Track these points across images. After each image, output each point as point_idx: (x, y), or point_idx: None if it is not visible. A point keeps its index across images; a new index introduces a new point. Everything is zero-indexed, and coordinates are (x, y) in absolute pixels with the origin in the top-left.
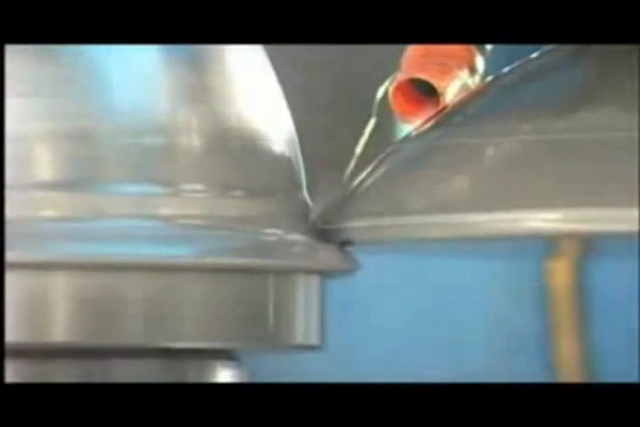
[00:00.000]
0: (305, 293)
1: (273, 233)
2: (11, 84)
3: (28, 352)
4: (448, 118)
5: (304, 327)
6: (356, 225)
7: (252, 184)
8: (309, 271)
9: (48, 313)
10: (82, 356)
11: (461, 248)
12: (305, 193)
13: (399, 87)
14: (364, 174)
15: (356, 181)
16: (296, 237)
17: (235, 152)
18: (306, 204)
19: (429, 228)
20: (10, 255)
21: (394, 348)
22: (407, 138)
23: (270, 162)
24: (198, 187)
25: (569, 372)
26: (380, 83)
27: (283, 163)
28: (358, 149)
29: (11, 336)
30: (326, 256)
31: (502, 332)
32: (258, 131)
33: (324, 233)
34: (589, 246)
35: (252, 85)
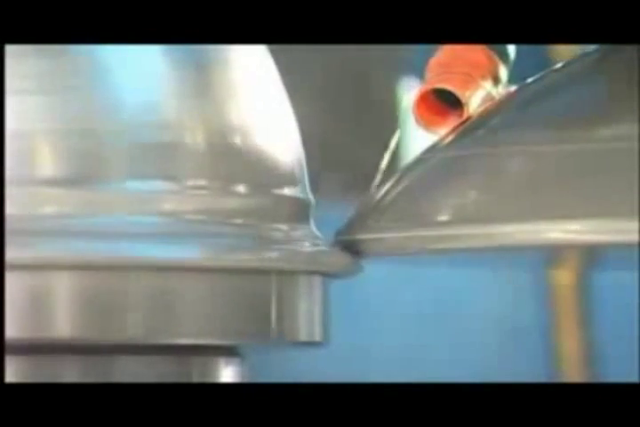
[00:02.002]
0: (308, 289)
1: (276, 231)
2: (12, 81)
3: (32, 348)
4: (472, 129)
5: (307, 324)
6: (380, 237)
7: (256, 181)
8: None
9: (51, 309)
10: (85, 352)
11: (470, 259)
12: (308, 191)
13: (422, 98)
14: (388, 185)
15: (381, 192)
16: (298, 235)
17: (238, 149)
18: (308, 202)
19: (453, 239)
20: (10, 253)
21: (398, 346)
22: (431, 149)
23: (273, 159)
24: (201, 183)
25: (571, 368)
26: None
27: (285, 160)
28: (384, 163)
29: (14, 332)
30: (328, 258)
31: (505, 330)
32: (260, 128)
33: (348, 245)
34: (594, 256)
35: (255, 84)
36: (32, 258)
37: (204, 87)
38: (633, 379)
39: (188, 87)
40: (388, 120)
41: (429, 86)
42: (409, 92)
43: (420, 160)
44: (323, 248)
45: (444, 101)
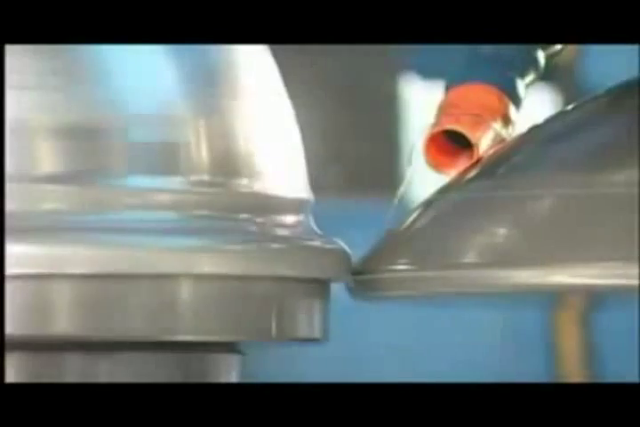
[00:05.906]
0: (308, 288)
1: (277, 228)
2: (14, 77)
3: (34, 345)
4: (487, 171)
5: (307, 321)
6: (397, 276)
7: (257, 177)
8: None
9: (53, 306)
10: (87, 349)
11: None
12: (308, 189)
13: (432, 139)
14: (405, 224)
15: (398, 231)
16: (299, 232)
17: (239, 146)
18: (309, 199)
19: (475, 281)
20: (11, 251)
21: (399, 345)
22: (447, 188)
23: (274, 157)
24: (202, 180)
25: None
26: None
27: (286, 158)
28: (397, 199)
29: (17, 330)
30: (326, 264)
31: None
32: (262, 127)
33: (364, 282)
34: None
35: (257, 84)
36: (33, 255)
37: (206, 86)
38: (633, 379)
39: (189, 86)
40: (387, 117)
41: (440, 128)
42: (408, 91)
43: (436, 199)
44: (319, 251)
45: (454, 142)
